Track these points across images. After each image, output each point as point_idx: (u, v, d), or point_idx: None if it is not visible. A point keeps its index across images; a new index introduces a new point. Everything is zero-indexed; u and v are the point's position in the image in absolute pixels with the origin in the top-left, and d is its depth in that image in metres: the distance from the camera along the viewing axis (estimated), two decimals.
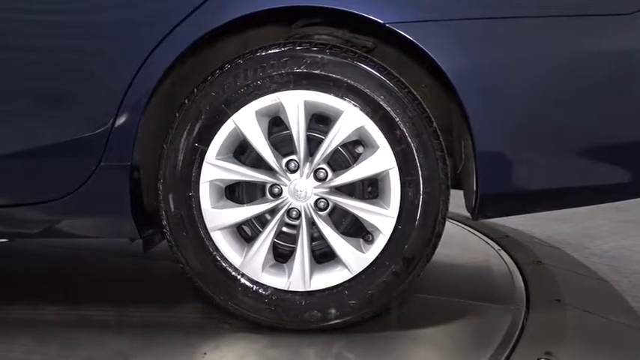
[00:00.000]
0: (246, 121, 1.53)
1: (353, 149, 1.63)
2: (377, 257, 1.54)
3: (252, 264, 1.58)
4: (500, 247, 2.53)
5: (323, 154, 1.54)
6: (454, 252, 2.38)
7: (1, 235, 1.78)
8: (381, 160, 1.51)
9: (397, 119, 1.50)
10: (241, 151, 1.63)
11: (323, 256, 1.64)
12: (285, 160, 1.57)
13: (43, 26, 1.53)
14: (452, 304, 1.84)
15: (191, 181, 1.55)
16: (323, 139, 1.55)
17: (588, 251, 2.73)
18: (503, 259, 2.36)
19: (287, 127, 1.55)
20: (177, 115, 1.55)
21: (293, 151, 1.56)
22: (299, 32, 1.67)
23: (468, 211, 1.66)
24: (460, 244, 2.59)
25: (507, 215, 1.68)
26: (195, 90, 1.54)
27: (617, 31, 1.49)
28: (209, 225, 1.57)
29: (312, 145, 1.57)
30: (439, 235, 1.55)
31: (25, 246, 2.45)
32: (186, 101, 1.55)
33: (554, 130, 1.51)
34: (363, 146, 1.59)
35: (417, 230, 1.52)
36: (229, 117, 1.53)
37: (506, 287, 2.03)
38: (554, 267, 2.29)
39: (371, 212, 1.54)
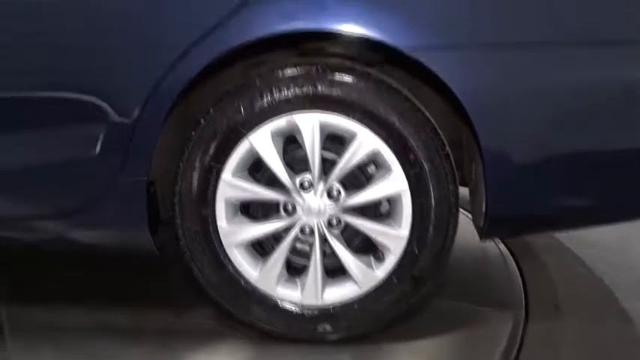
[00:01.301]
0: (262, 142, 1.55)
1: (365, 168, 1.65)
2: (387, 275, 1.59)
3: (266, 278, 1.63)
4: (500, 249, 2.57)
5: (337, 175, 1.57)
6: (452, 253, 2.41)
7: (17, 244, 1.81)
8: (394, 183, 1.55)
9: (411, 142, 1.53)
10: (255, 167, 1.65)
11: (335, 271, 1.68)
12: (299, 179, 1.60)
13: (63, 45, 1.55)
14: (449, 305, 1.88)
15: (207, 199, 1.58)
16: (336, 159, 1.58)
17: (588, 253, 2.77)
18: (504, 257, 2.39)
19: (301, 146, 1.58)
20: (194, 133, 1.57)
21: (307, 170, 1.59)
22: (310, 51, 1.67)
23: (476, 229, 1.70)
24: (459, 244, 2.62)
25: (516, 237, 1.71)
26: (211, 110, 1.56)
27: (625, 60, 1.51)
28: (224, 241, 1.61)
29: (326, 163, 1.60)
30: (448, 256, 1.59)
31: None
32: (202, 120, 1.57)
33: (564, 154, 1.54)
34: (376, 166, 1.63)
35: (427, 251, 1.57)
36: (245, 136, 1.55)
37: (506, 291, 2.06)
38: (554, 271, 2.33)
39: (382, 233, 1.58)
